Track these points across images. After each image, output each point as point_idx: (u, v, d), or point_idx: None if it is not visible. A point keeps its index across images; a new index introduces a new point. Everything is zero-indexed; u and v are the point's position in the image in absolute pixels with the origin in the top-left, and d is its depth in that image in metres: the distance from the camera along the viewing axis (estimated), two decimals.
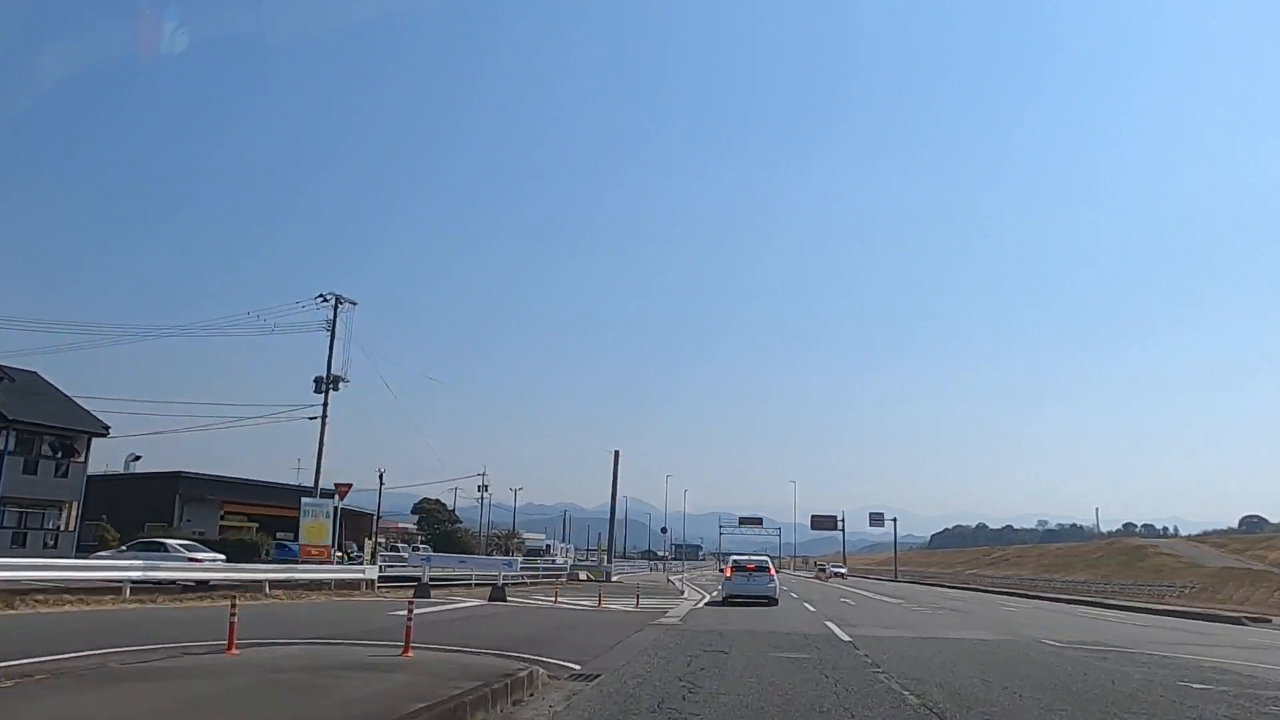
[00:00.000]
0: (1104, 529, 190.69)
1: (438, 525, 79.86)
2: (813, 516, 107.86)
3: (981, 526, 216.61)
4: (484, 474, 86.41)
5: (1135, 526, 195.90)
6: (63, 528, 39.65)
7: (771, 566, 28.46)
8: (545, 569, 52.80)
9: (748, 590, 26.81)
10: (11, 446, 37.39)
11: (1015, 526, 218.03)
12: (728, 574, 28.38)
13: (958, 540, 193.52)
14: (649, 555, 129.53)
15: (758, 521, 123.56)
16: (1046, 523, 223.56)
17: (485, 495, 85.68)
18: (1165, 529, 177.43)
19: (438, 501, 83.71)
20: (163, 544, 28.60)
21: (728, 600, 26.78)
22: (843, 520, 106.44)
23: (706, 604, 26.79)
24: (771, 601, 25.97)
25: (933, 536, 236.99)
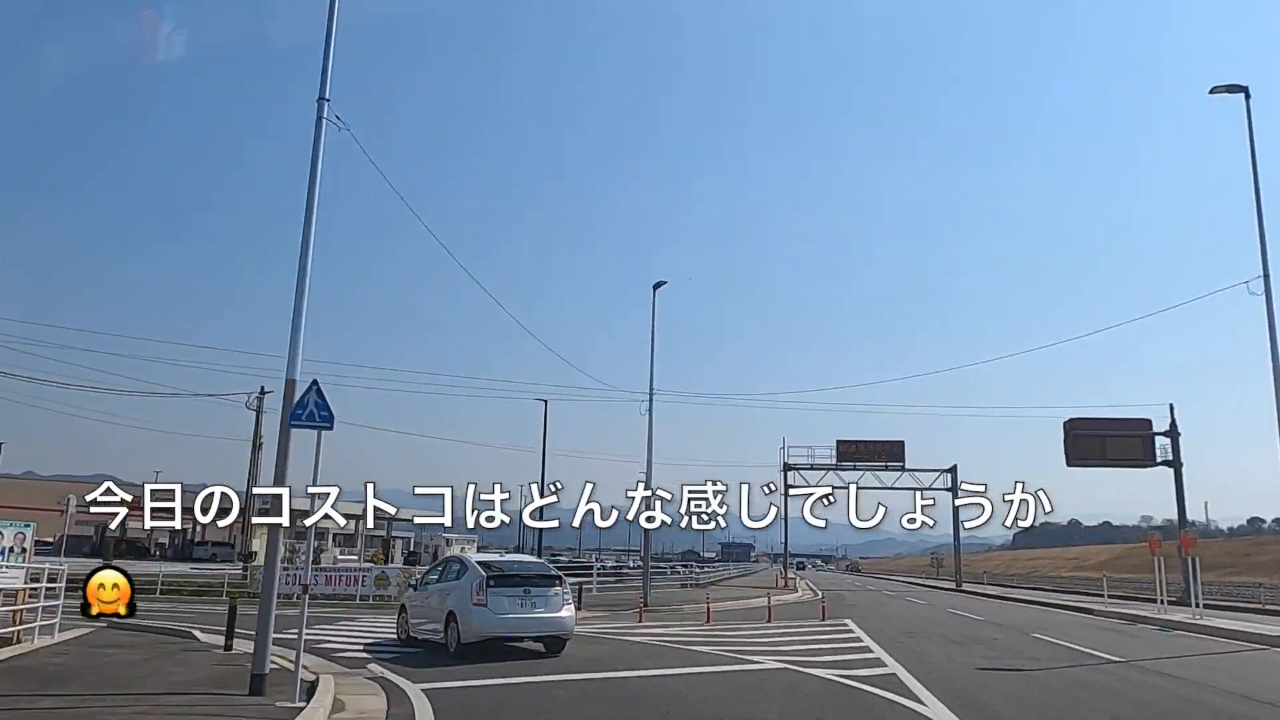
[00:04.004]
0: (1223, 526, 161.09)
1: None
2: (1068, 423, 40.36)
3: (1074, 524, 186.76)
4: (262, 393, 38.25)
5: (1263, 521, 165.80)
6: None
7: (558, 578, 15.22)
8: None
9: (519, 626, 13.63)
10: None
11: (1114, 523, 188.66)
12: (475, 597, 13.67)
13: (1045, 539, 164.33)
14: (690, 555, 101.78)
15: (892, 452, 49.67)
16: (1152, 519, 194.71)
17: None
18: None
19: None
20: None
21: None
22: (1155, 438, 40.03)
23: None
24: (556, 641, 13.91)
25: (1016, 536, 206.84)
